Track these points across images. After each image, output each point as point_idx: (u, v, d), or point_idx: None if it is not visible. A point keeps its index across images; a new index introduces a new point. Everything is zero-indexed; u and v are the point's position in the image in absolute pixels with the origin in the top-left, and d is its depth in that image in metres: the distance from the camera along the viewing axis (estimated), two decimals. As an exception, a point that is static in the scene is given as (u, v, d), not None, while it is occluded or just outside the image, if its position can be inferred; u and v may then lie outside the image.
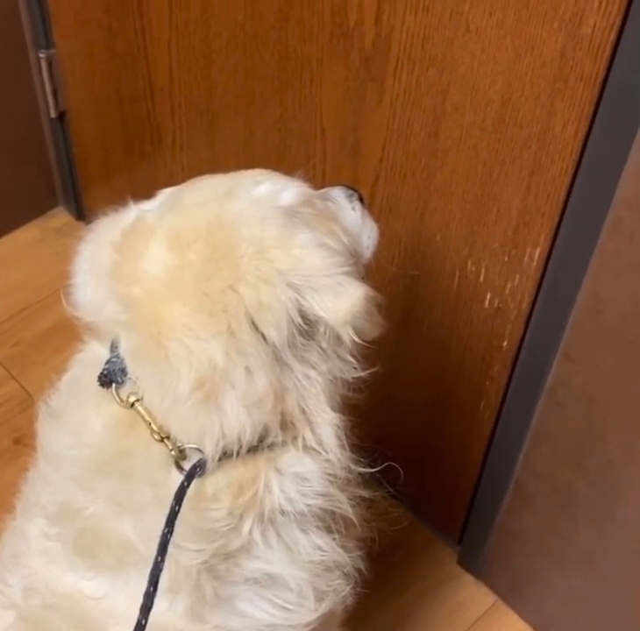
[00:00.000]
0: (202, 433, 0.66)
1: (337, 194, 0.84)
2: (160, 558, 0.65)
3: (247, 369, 0.65)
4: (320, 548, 0.73)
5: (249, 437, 0.67)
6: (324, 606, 0.75)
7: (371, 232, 0.83)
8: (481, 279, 1.00)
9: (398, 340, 1.18)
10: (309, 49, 1.02)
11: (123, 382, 0.70)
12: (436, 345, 1.13)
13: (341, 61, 1.00)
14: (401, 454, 1.29)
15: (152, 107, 1.33)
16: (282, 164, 1.17)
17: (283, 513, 0.70)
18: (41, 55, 1.46)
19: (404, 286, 1.11)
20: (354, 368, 0.72)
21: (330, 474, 0.71)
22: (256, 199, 0.71)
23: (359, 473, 0.76)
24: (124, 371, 0.70)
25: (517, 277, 0.96)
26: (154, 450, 0.68)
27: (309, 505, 0.71)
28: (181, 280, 0.67)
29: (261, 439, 0.68)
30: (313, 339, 0.68)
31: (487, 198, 0.93)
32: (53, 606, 0.74)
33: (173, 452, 0.67)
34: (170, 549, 0.66)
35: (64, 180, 1.64)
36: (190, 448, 0.67)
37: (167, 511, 0.65)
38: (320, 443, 0.70)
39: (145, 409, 0.68)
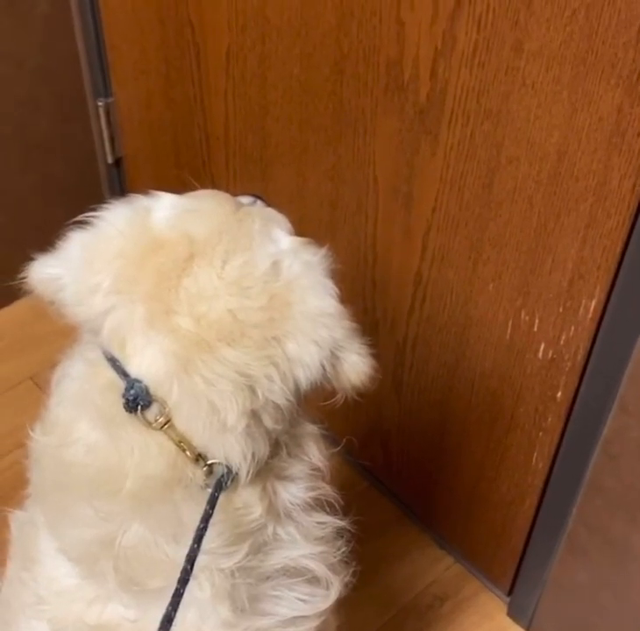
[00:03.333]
0: (241, 457, 0.71)
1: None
2: (196, 546, 0.68)
3: (276, 406, 0.72)
4: (323, 522, 0.81)
5: (266, 455, 0.74)
6: (336, 588, 0.82)
7: None
8: (535, 329, 1.00)
9: (450, 388, 1.17)
10: (364, 101, 1.04)
11: (148, 406, 0.69)
12: (488, 394, 1.12)
13: (395, 114, 1.01)
14: (453, 503, 1.29)
15: (207, 155, 1.35)
16: (335, 212, 1.18)
17: (291, 506, 0.78)
18: (100, 103, 1.50)
19: (456, 334, 1.11)
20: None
21: (312, 470, 0.79)
22: (304, 262, 0.75)
23: None
24: (148, 394, 0.69)
25: (572, 328, 0.96)
26: (198, 471, 0.71)
27: (304, 497, 0.79)
28: (234, 323, 0.70)
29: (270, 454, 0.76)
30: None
31: (541, 249, 0.93)
32: None
33: (204, 468, 0.70)
34: (207, 559, 0.70)
35: (118, 224, 1.67)
36: (219, 463, 0.71)
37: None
38: (303, 450, 0.78)
39: (177, 433, 0.70)
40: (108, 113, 1.51)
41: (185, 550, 0.69)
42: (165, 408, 0.69)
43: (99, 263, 0.72)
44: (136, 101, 1.45)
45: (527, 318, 1.00)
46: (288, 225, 0.82)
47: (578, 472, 1.02)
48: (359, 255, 1.19)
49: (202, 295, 0.70)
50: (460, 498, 1.26)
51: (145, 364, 0.69)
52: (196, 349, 0.69)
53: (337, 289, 0.74)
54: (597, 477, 1.00)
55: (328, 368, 0.73)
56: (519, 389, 1.07)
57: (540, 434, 1.06)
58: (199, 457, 0.70)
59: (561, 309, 0.95)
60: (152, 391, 0.69)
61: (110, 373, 0.70)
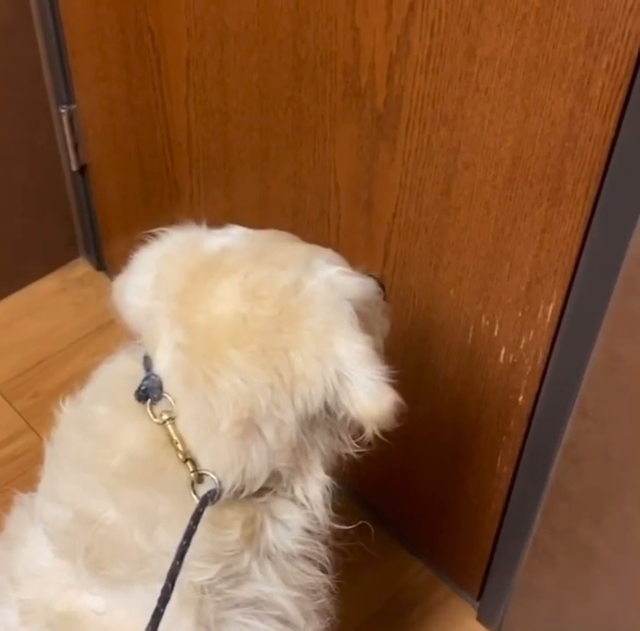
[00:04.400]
0: (228, 466, 0.71)
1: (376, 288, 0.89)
2: (178, 563, 0.68)
3: (280, 422, 0.70)
4: (305, 571, 0.80)
5: (262, 481, 0.73)
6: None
7: (384, 327, 0.87)
8: (496, 333, 1.00)
9: (415, 393, 1.17)
10: (323, 108, 1.04)
11: (158, 399, 0.73)
12: (452, 400, 1.12)
13: (354, 120, 1.01)
14: (422, 508, 1.28)
15: (170, 161, 1.34)
16: (298, 218, 1.18)
17: (275, 549, 0.77)
18: (62, 110, 1.49)
19: (419, 339, 1.11)
20: (353, 448, 0.78)
21: (311, 525, 0.78)
22: (331, 283, 0.75)
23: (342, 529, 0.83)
24: (161, 388, 0.73)
25: (531, 332, 0.96)
26: (179, 471, 0.72)
27: (292, 548, 0.77)
28: (243, 327, 0.72)
29: (266, 484, 0.74)
30: (331, 419, 0.74)
31: (499, 254, 0.93)
32: (55, 626, 0.74)
33: (192, 475, 0.71)
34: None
35: (85, 231, 1.66)
36: (209, 475, 0.71)
37: (182, 529, 0.69)
38: (307, 498, 0.76)
39: (176, 430, 0.72)
40: (71, 120, 1.50)
41: (155, 546, 0.71)
42: (173, 405, 0.72)
43: (148, 264, 0.78)
44: (99, 108, 1.44)
45: (487, 323, 1.00)
46: (341, 261, 0.80)
47: (541, 476, 1.02)
48: (322, 261, 1.18)
49: (221, 298, 0.72)
50: (429, 503, 1.26)
51: (164, 359, 0.73)
52: (205, 347, 0.71)
53: (354, 313, 0.73)
54: (560, 481, 1.00)
55: (336, 388, 0.71)
56: (482, 393, 1.07)
57: (504, 438, 1.06)
58: (188, 460, 0.71)
59: (520, 314, 0.95)
60: (165, 386, 0.72)
61: (138, 366, 0.75)
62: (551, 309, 0.92)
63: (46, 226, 1.64)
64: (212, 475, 0.71)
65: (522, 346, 0.98)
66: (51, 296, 1.66)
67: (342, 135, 1.03)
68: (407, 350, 1.14)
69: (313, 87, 1.03)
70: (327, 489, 0.76)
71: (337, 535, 0.86)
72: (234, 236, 0.80)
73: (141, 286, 0.77)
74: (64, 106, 1.49)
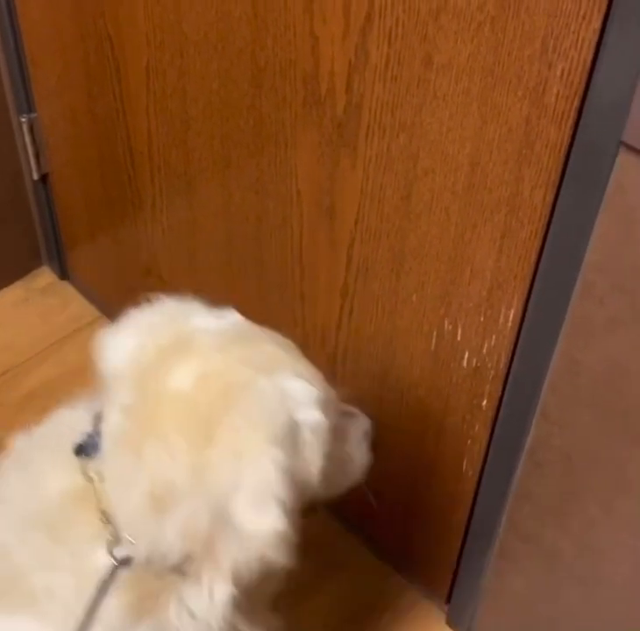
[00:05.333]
0: (140, 534, 0.72)
1: (358, 426, 0.90)
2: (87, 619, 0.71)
3: (196, 505, 0.70)
4: None
5: (173, 559, 0.72)
6: None
7: (360, 468, 0.90)
8: (459, 338, 1.00)
9: (380, 398, 1.17)
10: (283, 115, 1.04)
11: (93, 456, 0.75)
12: (417, 404, 1.12)
13: (314, 127, 1.01)
14: (389, 513, 1.28)
15: (132, 170, 1.34)
16: (261, 226, 1.18)
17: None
18: (23, 119, 1.48)
19: (384, 345, 1.11)
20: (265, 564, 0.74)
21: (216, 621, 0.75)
22: (282, 390, 0.75)
23: None
24: (98, 446, 0.75)
25: (494, 337, 0.96)
26: (91, 527, 0.73)
27: None
28: (183, 407, 0.73)
29: (181, 564, 0.73)
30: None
31: (460, 259, 0.94)
32: None
33: (109, 538, 0.72)
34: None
35: (48, 240, 1.65)
36: (125, 538, 0.72)
37: (77, 581, 0.72)
38: (212, 597, 0.73)
39: (101, 490, 0.73)
40: (32, 129, 1.48)
41: (49, 591, 0.73)
42: (103, 465, 0.73)
43: (133, 328, 0.80)
44: (60, 116, 1.43)
45: (450, 328, 1.01)
46: (321, 386, 0.80)
47: (505, 480, 1.02)
48: (286, 268, 1.18)
49: (176, 375, 0.74)
50: (396, 508, 1.26)
51: (108, 419, 0.75)
52: (145, 415, 0.73)
53: (285, 427, 0.73)
54: (524, 484, 1.00)
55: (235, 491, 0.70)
56: (446, 398, 1.07)
57: (468, 442, 1.07)
58: (107, 520, 0.72)
59: (482, 318, 0.96)
60: (102, 445, 0.74)
61: (86, 416, 0.78)
62: (513, 314, 0.92)
63: (8, 235, 1.62)
64: (129, 541, 0.72)
65: (484, 351, 0.98)
66: (14, 306, 1.65)
67: (303, 142, 1.03)
68: (371, 356, 1.14)
69: (273, 94, 1.03)
70: (232, 598, 0.73)
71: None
72: (224, 321, 0.81)
73: (122, 346, 0.79)
74: (25, 115, 1.48)
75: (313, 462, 0.76)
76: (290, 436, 0.73)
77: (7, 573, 0.75)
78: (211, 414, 0.72)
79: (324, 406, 0.78)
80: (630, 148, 0.71)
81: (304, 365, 0.81)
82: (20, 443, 0.83)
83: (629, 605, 0.96)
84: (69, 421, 0.81)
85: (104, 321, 1.63)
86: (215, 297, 1.35)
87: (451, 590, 1.23)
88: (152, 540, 0.71)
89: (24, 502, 0.77)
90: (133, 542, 0.72)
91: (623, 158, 0.72)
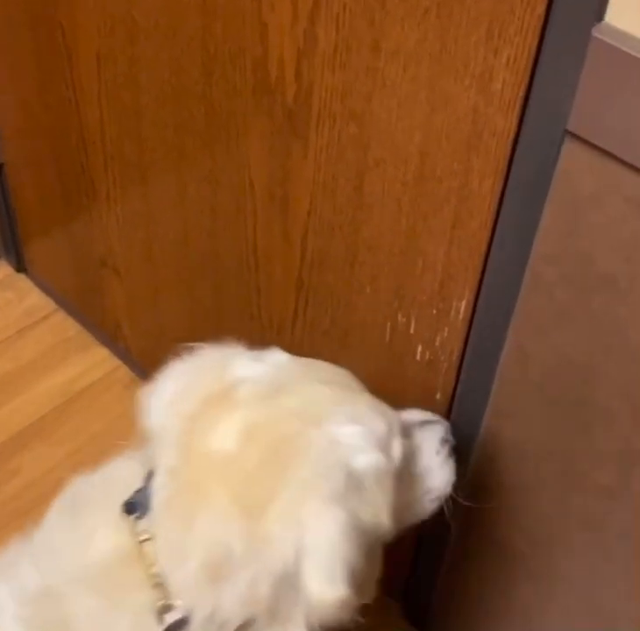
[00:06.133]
0: (196, 603, 0.68)
1: (433, 434, 0.85)
2: None
3: (256, 572, 0.67)
4: None
5: (233, 626, 0.68)
6: None
7: (445, 484, 0.84)
8: (412, 331, 0.99)
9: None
10: (234, 104, 1.02)
11: (143, 515, 0.72)
12: (373, 394, 1.11)
13: (265, 116, 0.99)
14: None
15: (85, 160, 1.31)
16: (216, 217, 1.16)
17: None
18: (-24, 109, 1.45)
19: (339, 338, 1.10)
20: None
21: None
22: (336, 440, 0.71)
23: None
24: (148, 505, 0.72)
25: (446, 329, 0.95)
26: (146, 593, 0.69)
27: None
28: (231, 467, 0.70)
29: (241, 629, 0.69)
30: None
31: (412, 251, 0.93)
32: None
33: (160, 602, 0.69)
34: None
35: (3, 232, 1.62)
36: (177, 606, 0.69)
37: None
38: None
39: (152, 552, 0.70)
40: (-16, 119, 1.45)
41: None
42: (153, 526, 0.70)
43: (176, 377, 0.78)
44: (12, 106, 1.40)
45: (404, 320, 0.99)
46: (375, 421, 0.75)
47: (460, 473, 1.01)
48: (241, 261, 1.17)
49: (219, 431, 0.71)
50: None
51: (158, 478, 0.73)
52: (193, 477, 0.70)
53: (345, 482, 0.69)
54: (477, 478, 0.99)
55: (298, 556, 0.67)
56: (401, 390, 1.06)
57: (423, 436, 1.06)
58: (158, 585, 0.69)
59: (434, 311, 0.95)
60: (153, 505, 0.71)
61: (141, 475, 0.76)
62: (464, 306, 0.91)
63: (-37, 228, 1.59)
64: (181, 606, 0.69)
65: (437, 343, 0.97)
66: (-31, 299, 1.62)
67: (254, 131, 1.02)
68: (327, 349, 1.13)
69: (223, 83, 1.01)
70: None
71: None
72: (267, 365, 0.78)
73: (166, 397, 0.76)
74: (-23, 104, 1.45)
75: (381, 508, 0.71)
76: (351, 489, 0.69)
77: (57, 617, 0.72)
78: (262, 476, 0.68)
79: (384, 443, 0.73)
80: (575, 137, 0.70)
81: (361, 399, 0.77)
82: (76, 486, 0.80)
83: (582, 600, 0.96)
84: (124, 474, 0.78)
85: (61, 314, 1.61)
86: (171, 291, 1.34)
87: (406, 587, 1.22)
88: (209, 608, 0.67)
89: (72, 555, 0.74)
90: (188, 609, 0.68)
91: (568, 147, 0.71)
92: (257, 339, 1.23)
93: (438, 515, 1.09)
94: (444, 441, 0.85)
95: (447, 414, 1.01)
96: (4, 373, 1.53)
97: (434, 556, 1.12)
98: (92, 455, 1.42)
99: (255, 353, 0.80)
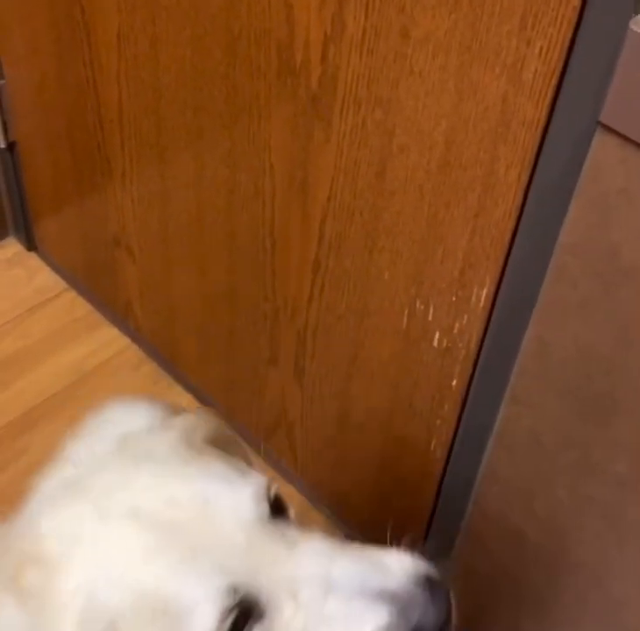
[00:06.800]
0: None
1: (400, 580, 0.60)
2: None
3: None
4: None
5: None
6: None
7: None
8: (430, 318, 0.99)
9: (350, 376, 1.16)
10: (257, 86, 1.01)
11: None
12: (387, 383, 1.11)
13: (289, 98, 0.99)
14: (358, 491, 1.28)
15: (101, 139, 1.31)
16: (233, 198, 1.16)
17: None
18: (-10, 84, 1.44)
19: (355, 322, 1.10)
20: None
21: None
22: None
23: None
24: None
25: (465, 317, 0.95)
26: None
27: None
28: None
29: None
30: None
31: (433, 239, 0.93)
32: None
33: None
34: None
35: (14, 210, 1.61)
36: None
37: None
38: None
39: None
40: (-1, 95, 1.45)
41: None
42: None
43: None
44: (28, 83, 1.39)
45: (422, 307, 1.00)
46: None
47: (474, 461, 1.02)
48: (257, 242, 1.17)
49: None
50: (365, 486, 1.26)
51: None
52: None
53: None
54: (493, 466, 1.00)
55: None
56: (417, 378, 1.06)
57: (438, 422, 1.06)
58: None
59: (454, 298, 0.95)
60: None
61: None
62: (485, 294, 0.91)
63: (-27, 204, 1.59)
64: None
65: (455, 331, 0.97)
66: (-21, 276, 1.62)
67: (277, 114, 1.01)
68: (341, 333, 1.13)
69: (247, 64, 1.01)
70: None
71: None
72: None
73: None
74: (-9, 80, 1.44)
75: None
76: None
77: None
78: None
79: None
80: (608, 129, 0.70)
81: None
82: None
83: (595, 588, 0.97)
84: None
85: (71, 293, 1.61)
86: (184, 271, 1.34)
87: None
88: None
89: None
90: None
91: (600, 139, 0.71)
92: (270, 322, 1.24)
93: (453, 503, 1.10)
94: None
95: (463, 402, 1.02)
96: (14, 352, 1.53)
97: (445, 542, 1.13)
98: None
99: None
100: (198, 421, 0.72)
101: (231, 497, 0.62)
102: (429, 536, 1.17)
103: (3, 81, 1.43)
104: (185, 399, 1.49)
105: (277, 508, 0.64)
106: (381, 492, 1.24)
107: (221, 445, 0.71)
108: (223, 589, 0.58)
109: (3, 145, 1.50)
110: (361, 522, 1.31)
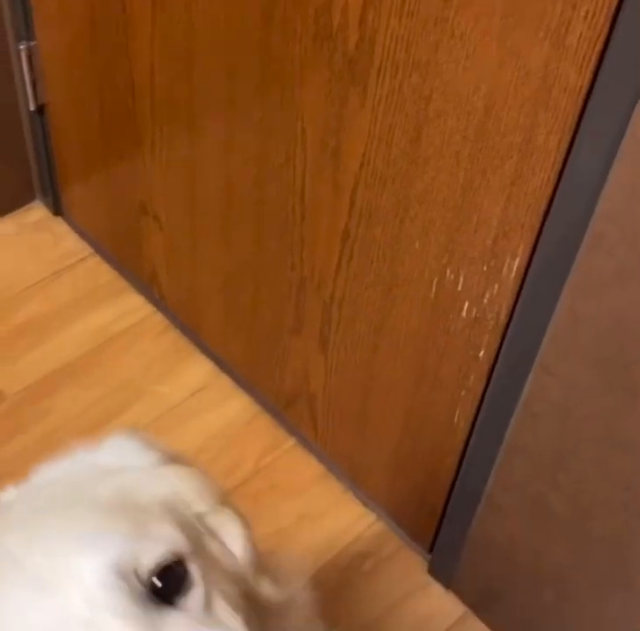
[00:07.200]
0: None
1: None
2: None
3: None
4: None
5: None
6: None
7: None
8: (459, 288, 0.99)
9: (375, 347, 1.16)
10: (292, 50, 1.01)
11: None
12: (412, 353, 1.11)
13: (324, 63, 0.98)
14: (378, 461, 1.28)
15: (132, 104, 1.31)
16: (263, 165, 1.15)
17: None
18: (21, 47, 1.44)
19: (382, 292, 1.10)
20: None
21: None
22: None
23: None
24: None
25: (496, 287, 0.95)
26: None
27: None
28: None
29: None
30: None
31: (467, 207, 0.92)
32: None
33: None
34: None
35: (42, 174, 1.62)
36: None
37: None
38: None
39: None
40: (30, 57, 1.45)
41: None
42: None
43: None
44: (59, 45, 1.39)
45: (452, 277, 0.99)
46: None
47: (498, 432, 1.02)
48: (287, 210, 1.17)
49: None
50: (385, 456, 1.26)
51: None
52: None
53: None
54: (517, 436, 1.00)
55: None
56: (443, 348, 1.06)
57: (463, 392, 1.06)
58: None
59: (485, 268, 0.95)
60: None
61: None
62: (517, 264, 0.91)
63: (1, 168, 1.59)
64: None
65: (485, 301, 0.97)
66: (5, 240, 1.62)
67: (311, 79, 1.01)
68: (368, 303, 1.13)
69: (283, 28, 1.00)
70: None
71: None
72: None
73: None
74: (23, 42, 1.44)
75: None
76: None
77: None
78: None
79: None
80: (652, 94, 0.69)
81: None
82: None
83: (617, 560, 0.97)
84: None
85: (96, 259, 1.61)
86: (210, 239, 1.34)
87: (435, 539, 1.23)
88: None
89: None
90: None
91: (644, 104, 0.71)
92: (295, 292, 1.24)
93: (475, 473, 1.10)
94: None
95: (489, 373, 1.02)
96: (37, 315, 1.54)
97: (464, 512, 1.13)
98: (122, 400, 1.44)
99: None
100: (183, 479, 0.66)
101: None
102: (448, 507, 1.17)
103: (34, 43, 1.43)
104: (207, 368, 1.50)
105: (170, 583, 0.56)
106: (402, 463, 1.25)
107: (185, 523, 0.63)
108: None
109: (32, 108, 1.50)
110: (379, 494, 1.32)
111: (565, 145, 0.80)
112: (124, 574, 0.54)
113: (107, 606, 0.53)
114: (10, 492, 0.66)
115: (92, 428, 1.38)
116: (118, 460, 0.66)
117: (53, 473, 0.67)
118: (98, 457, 0.67)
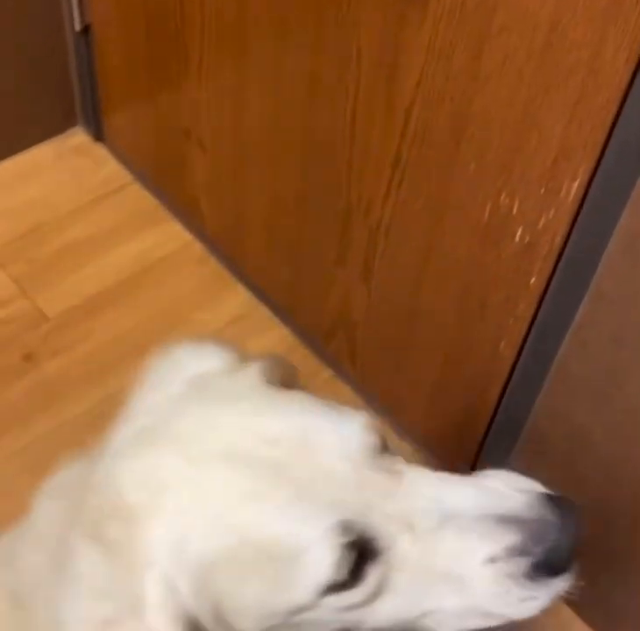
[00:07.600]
0: None
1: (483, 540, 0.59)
2: None
3: None
4: None
5: None
6: None
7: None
8: (514, 212, 0.98)
9: (419, 277, 1.16)
10: (351, -36, 0.99)
11: None
12: (460, 282, 1.11)
13: (384, -22, 0.96)
14: (417, 392, 1.28)
15: (180, 23, 1.29)
16: (313, 86, 1.14)
17: None
18: (68, -36, 1.42)
19: (431, 219, 1.09)
20: None
21: None
22: None
23: None
24: None
25: (552, 211, 0.94)
26: None
27: None
28: None
29: None
30: None
31: (528, 126, 0.91)
32: None
33: None
34: None
35: (85, 99, 1.61)
36: None
37: None
38: None
39: None
40: (77, -26, 1.43)
41: None
42: None
43: None
44: (107, -37, 1.37)
45: (507, 201, 0.98)
46: None
47: (546, 360, 1.01)
48: (336, 135, 1.15)
49: None
50: (424, 388, 1.26)
51: None
52: None
53: None
54: (565, 364, 0.99)
55: None
56: (493, 276, 1.05)
57: (511, 321, 1.05)
58: None
59: (542, 191, 0.93)
60: None
61: None
62: (576, 186, 0.89)
63: (44, 91, 1.58)
64: None
65: (540, 226, 0.96)
66: (47, 164, 1.62)
67: (369, -5, 0.99)
68: (417, 231, 1.12)
69: (343, -59, 0.98)
70: None
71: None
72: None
73: None
74: (70, -41, 1.42)
75: None
76: None
77: None
78: None
79: None
80: None
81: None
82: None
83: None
84: None
85: (137, 186, 1.61)
86: (255, 167, 1.33)
87: (474, 468, 1.23)
88: None
89: None
90: None
91: None
92: (341, 221, 1.23)
93: (519, 402, 1.09)
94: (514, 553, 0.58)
95: (539, 300, 1.01)
96: (77, 239, 1.54)
97: (505, 439, 1.13)
98: (162, 326, 1.44)
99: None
100: (271, 364, 0.68)
101: (335, 430, 0.59)
102: (489, 436, 1.17)
103: (81, -40, 1.41)
104: (245, 297, 1.49)
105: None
106: (441, 395, 1.24)
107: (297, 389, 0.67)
108: (336, 527, 0.55)
109: (78, 28, 1.48)
110: (418, 425, 1.32)
111: (633, 62, 0.78)
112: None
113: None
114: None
115: (132, 352, 1.39)
116: (205, 364, 0.67)
117: (152, 394, 0.66)
118: (186, 368, 0.67)
